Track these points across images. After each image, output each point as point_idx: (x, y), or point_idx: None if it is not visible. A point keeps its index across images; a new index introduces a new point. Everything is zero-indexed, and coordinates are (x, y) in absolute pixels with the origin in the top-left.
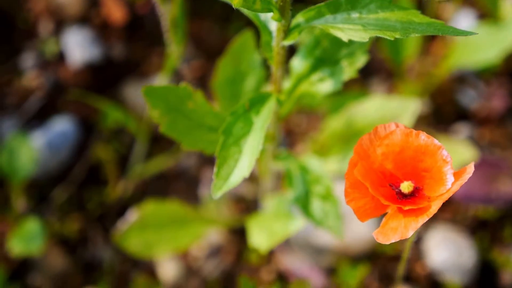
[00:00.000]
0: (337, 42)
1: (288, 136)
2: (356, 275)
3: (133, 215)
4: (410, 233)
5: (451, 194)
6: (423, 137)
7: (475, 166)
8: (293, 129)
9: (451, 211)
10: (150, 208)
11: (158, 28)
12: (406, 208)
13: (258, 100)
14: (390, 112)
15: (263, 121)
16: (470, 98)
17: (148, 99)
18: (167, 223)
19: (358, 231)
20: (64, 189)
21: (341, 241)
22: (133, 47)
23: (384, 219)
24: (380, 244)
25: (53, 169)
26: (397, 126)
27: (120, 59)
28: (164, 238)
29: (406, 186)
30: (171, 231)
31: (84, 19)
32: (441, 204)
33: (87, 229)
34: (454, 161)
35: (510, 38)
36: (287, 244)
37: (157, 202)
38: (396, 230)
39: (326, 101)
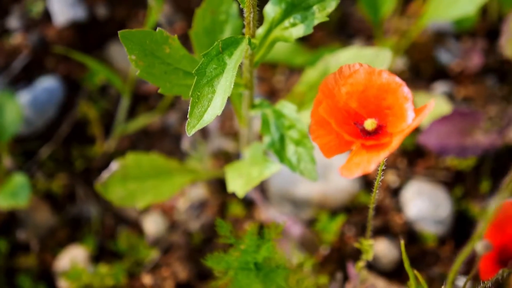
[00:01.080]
0: None
1: (272, 95)
2: (334, 225)
3: (115, 166)
4: (372, 167)
5: (411, 130)
6: (385, 76)
7: (449, 118)
8: (276, 87)
9: (427, 164)
10: (132, 159)
11: None
12: (369, 143)
13: (232, 43)
14: (364, 61)
15: (235, 62)
16: (448, 56)
17: (125, 43)
18: (149, 174)
19: (338, 183)
20: (51, 147)
21: (314, 181)
22: (117, 7)
23: (349, 155)
24: (359, 195)
25: (40, 127)
26: (361, 65)
27: (105, 19)
28: (146, 188)
29: (369, 124)
30: (152, 181)
31: None
32: (402, 139)
33: (74, 185)
34: (430, 114)
35: None
36: (269, 198)
37: (138, 154)
38: (359, 165)
39: (307, 57)
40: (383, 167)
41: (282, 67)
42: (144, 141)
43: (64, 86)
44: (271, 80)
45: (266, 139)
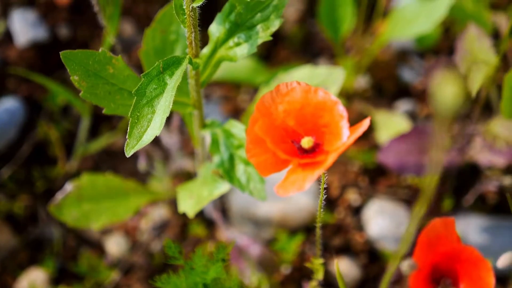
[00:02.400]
0: (251, 7)
1: (237, 114)
2: (293, 244)
3: (70, 187)
4: (307, 185)
5: (346, 147)
6: (321, 94)
7: (408, 136)
8: (241, 106)
9: (389, 182)
10: (87, 180)
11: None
12: (304, 162)
13: (173, 62)
14: (318, 81)
15: (175, 82)
16: (411, 74)
17: (67, 63)
18: (104, 195)
19: (298, 202)
20: (11, 168)
21: (263, 201)
22: (79, 27)
23: (285, 174)
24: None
25: (0, 148)
26: (298, 84)
27: (67, 39)
28: (101, 209)
29: (306, 142)
30: (108, 202)
31: (29, 0)
32: (336, 156)
33: (35, 207)
34: (389, 133)
35: (441, 10)
36: (230, 218)
37: (93, 174)
38: (294, 183)
39: (267, 76)
40: (325, 185)
41: (247, 86)
42: (107, 161)
43: (26, 107)
44: (236, 99)
45: (216, 159)
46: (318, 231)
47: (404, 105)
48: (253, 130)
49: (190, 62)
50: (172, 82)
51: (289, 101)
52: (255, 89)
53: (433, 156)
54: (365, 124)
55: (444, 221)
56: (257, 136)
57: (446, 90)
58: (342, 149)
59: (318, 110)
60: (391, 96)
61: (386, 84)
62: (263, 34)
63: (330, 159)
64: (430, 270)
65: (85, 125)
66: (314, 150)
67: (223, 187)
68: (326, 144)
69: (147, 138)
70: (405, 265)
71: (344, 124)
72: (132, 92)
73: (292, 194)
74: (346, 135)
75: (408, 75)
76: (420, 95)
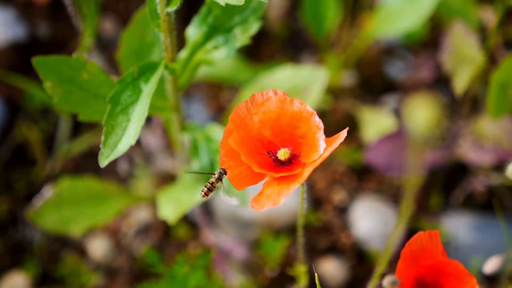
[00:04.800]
0: (228, 10)
1: (221, 112)
2: (278, 246)
3: (48, 192)
4: (281, 200)
5: (322, 160)
6: (297, 104)
7: (396, 135)
8: (225, 105)
9: (376, 181)
10: (66, 184)
11: None
12: (278, 175)
13: (148, 68)
14: (301, 81)
15: (150, 88)
16: (398, 70)
17: (39, 70)
18: (85, 199)
19: (283, 204)
20: None
21: (245, 207)
22: (59, 26)
23: (261, 187)
24: (306, 215)
25: None
26: (275, 93)
27: (46, 39)
28: (82, 213)
29: (282, 153)
30: (88, 207)
31: None
32: (312, 169)
33: (16, 210)
34: (376, 131)
35: (426, 5)
36: (216, 220)
37: (73, 178)
38: (269, 197)
39: (249, 73)
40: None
41: (230, 85)
42: (90, 162)
43: (4, 107)
44: (220, 98)
45: (195, 164)
46: (301, 237)
47: (392, 102)
48: (227, 142)
49: (166, 68)
50: (147, 89)
51: (264, 112)
52: (238, 88)
53: (411, 160)
54: (342, 136)
55: (428, 233)
56: (231, 148)
57: (419, 114)
58: (319, 161)
59: (294, 121)
60: (378, 92)
61: (374, 80)
62: (241, 37)
63: (306, 172)
64: (414, 283)
65: (65, 126)
66: (291, 161)
67: None
68: (303, 155)
69: (122, 147)
70: (387, 282)
71: (321, 135)
72: (106, 99)
73: (267, 208)
74: (322, 147)
75: (396, 71)
76: (408, 92)
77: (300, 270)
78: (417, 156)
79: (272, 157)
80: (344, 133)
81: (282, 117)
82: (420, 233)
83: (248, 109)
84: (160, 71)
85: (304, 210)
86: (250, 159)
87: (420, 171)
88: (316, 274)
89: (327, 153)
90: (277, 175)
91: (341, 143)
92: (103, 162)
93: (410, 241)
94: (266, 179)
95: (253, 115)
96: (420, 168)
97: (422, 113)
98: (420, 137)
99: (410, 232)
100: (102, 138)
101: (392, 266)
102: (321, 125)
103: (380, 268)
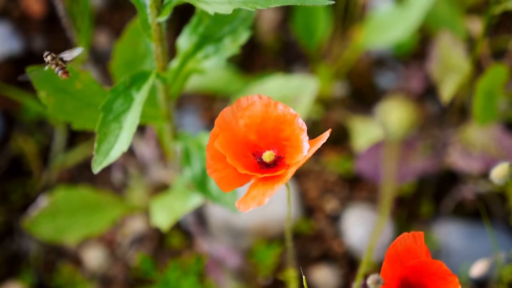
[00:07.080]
0: (218, 20)
1: (213, 124)
2: (271, 254)
3: (43, 201)
4: (266, 200)
5: (305, 160)
6: (281, 107)
7: (383, 145)
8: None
9: (367, 190)
10: (61, 194)
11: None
12: (263, 175)
13: (140, 77)
14: (291, 91)
15: (142, 97)
16: (388, 80)
17: (34, 79)
18: (80, 208)
19: (276, 212)
20: None
21: (235, 213)
22: (54, 39)
23: (247, 189)
24: (299, 223)
25: None
26: (260, 98)
27: (42, 52)
28: (77, 222)
29: (267, 156)
30: (83, 216)
31: (2, 13)
32: (295, 170)
33: (12, 221)
34: (366, 140)
35: (414, 16)
36: (210, 229)
37: (68, 188)
38: (255, 198)
39: (241, 84)
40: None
41: (223, 96)
42: (85, 173)
43: (1, 120)
44: (213, 108)
45: (187, 172)
46: (290, 242)
47: None
48: (213, 145)
49: (158, 76)
50: (139, 97)
51: (249, 115)
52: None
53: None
54: (324, 136)
55: (413, 234)
56: (217, 151)
57: (394, 116)
58: (302, 162)
59: (278, 124)
60: (369, 103)
61: (365, 91)
62: (231, 47)
63: (289, 173)
64: (398, 284)
65: (60, 138)
66: (276, 163)
67: (196, 200)
68: (287, 157)
69: (115, 154)
70: (370, 280)
71: (304, 137)
72: (99, 108)
73: (253, 209)
74: (306, 148)
75: (386, 81)
76: None
77: (290, 275)
78: (392, 155)
79: (258, 160)
80: (326, 134)
81: (266, 120)
82: (405, 234)
83: (234, 113)
84: (151, 80)
85: (294, 215)
86: (235, 161)
87: (395, 172)
88: (303, 277)
89: (310, 154)
90: (261, 176)
91: (332, 153)
92: (96, 169)
93: (394, 242)
94: (252, 181)
95: (239, 119)
96: (396, 168)
97: (396, 114)
98: (394, 137)
99: None
100: (95, 145)
101: (378, 269)
102: (305, 126)
103: (362, 268)
